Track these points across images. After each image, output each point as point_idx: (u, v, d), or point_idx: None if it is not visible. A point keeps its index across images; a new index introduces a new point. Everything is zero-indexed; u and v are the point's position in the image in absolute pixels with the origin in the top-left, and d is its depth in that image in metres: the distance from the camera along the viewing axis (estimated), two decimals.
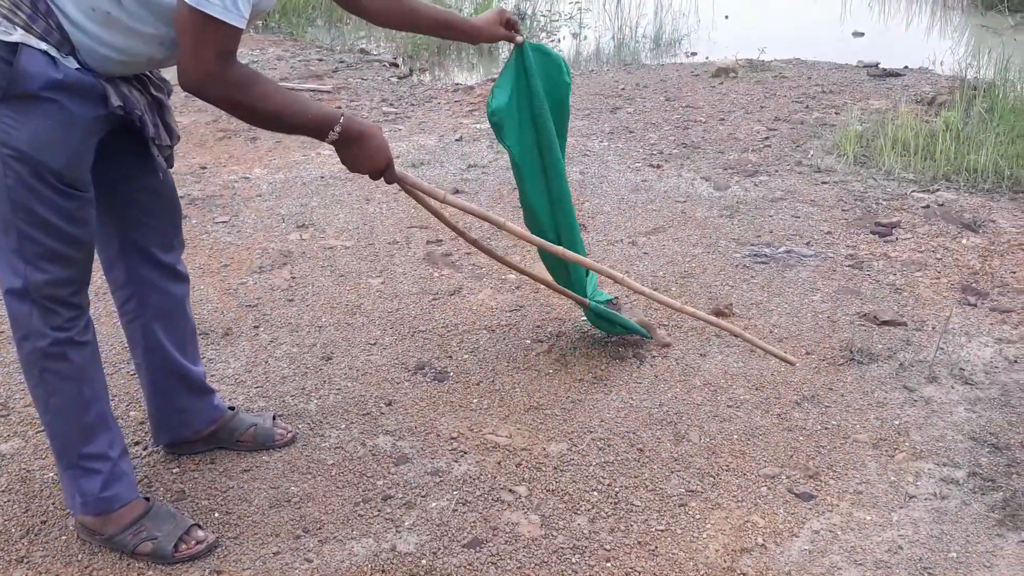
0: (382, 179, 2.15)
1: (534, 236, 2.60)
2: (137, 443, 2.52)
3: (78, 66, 1.83)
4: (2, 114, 1.80)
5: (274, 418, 2.54)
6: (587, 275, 2.89)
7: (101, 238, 2.16)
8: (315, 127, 1.97)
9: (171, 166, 2.14)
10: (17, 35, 1.77)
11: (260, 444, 2.49)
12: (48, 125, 1.82)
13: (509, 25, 2.54)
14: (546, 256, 2.78)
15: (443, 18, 2.48)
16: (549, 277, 2.83)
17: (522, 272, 2.81)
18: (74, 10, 1.80)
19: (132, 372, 2.80)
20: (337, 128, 1.97)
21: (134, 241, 2.18)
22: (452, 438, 2.54)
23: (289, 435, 2.52)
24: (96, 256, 2.10)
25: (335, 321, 3.14)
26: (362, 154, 2.06)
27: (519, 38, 2.56)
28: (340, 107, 5.52)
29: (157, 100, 2.04)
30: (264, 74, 1.93)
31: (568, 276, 2.81)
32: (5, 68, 1.77)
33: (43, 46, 1.79)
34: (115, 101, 1.88)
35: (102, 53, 1.85)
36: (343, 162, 2.08)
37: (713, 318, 2.67)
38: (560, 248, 2.57)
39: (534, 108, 2.64)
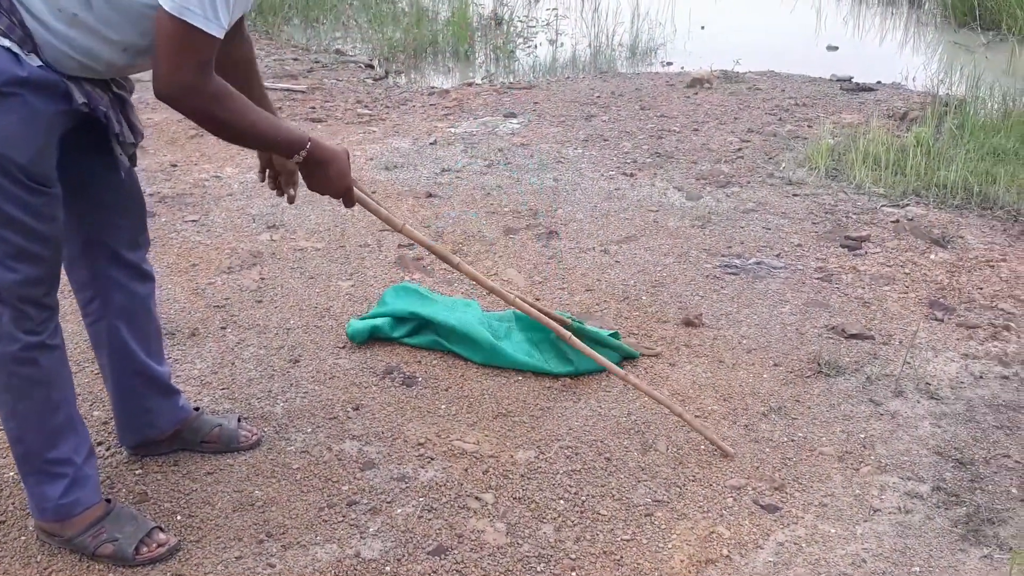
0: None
1: (487, 280, 2.53)
2: (100, 443, 2.48)
3: (40, 64, 1.81)
4: None
5: (239, 420, 2.52)
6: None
7: (64, 237, 2.13)
8: (283, 147, 2.00)
9: (134, 164, 2.11)
10: None
11: (225, 445, 2.46)
12: (13, 120, 1.79)
13: None
14: None
15: None
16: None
17: (500, 294, 2.69)
18: (40, 8, 1.78)
19: (97, 372, 2.76)
20: (303, 152, 2.00)
21: (99, 239, 2.15)
22: (419, 444, 2.52)
23: (254, 437, 2.50)
24: None
25: (304, 323, 3.11)
26: (324, 177, 2.09)
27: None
28: (314, 108, 5.49)
29: (119, 97, 2.02)
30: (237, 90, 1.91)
31: None
32: None
33: (6, 43, 1.76)
34: (79, 98, 1.86)
35: (63, 51, 1.82)
36: (305, 181, 2.11)
37: (658, 394, 2.61)
38: (521, 304, 2.60)
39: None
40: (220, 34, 1.76)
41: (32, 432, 2.02)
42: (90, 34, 1.82)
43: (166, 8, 1.71)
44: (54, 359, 2.00)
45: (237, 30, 2.15)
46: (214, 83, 1.82)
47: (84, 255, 2.16)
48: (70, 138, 1.93)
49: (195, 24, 1.71)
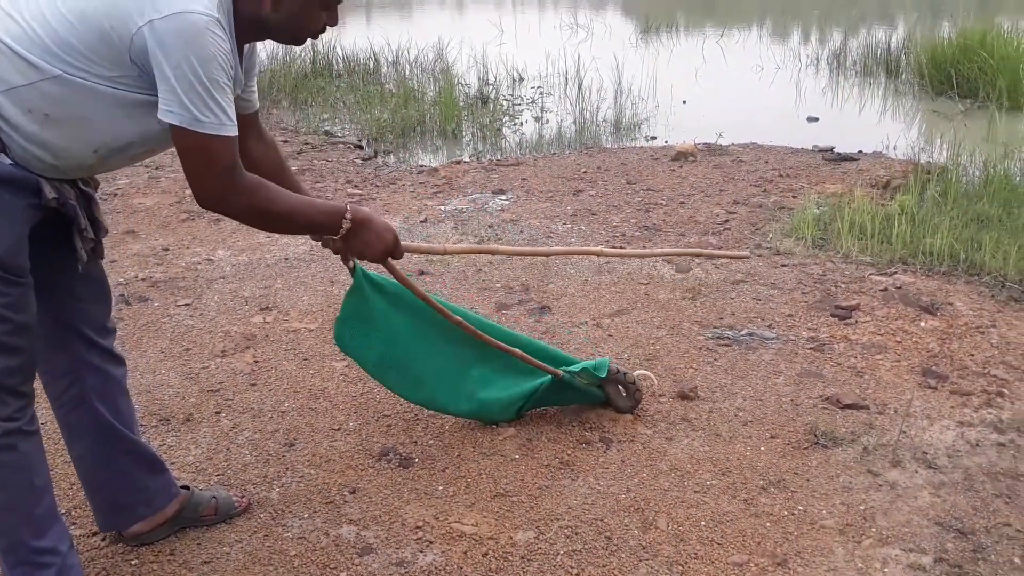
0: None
1: (534, 248, 2.88)
2: (95, 534, 2.45)
3: (11, 162, 1.84)
4: None
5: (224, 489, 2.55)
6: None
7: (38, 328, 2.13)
8: (327, 220, 2.07)
9: (101, 257, 2.15)
10: None
11: (224, 515, 2.49)
12: None
13: None
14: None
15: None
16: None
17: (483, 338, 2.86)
18: (11, 110, 1.82)
19: None
20: (348, 216, 2.07)
21: (73, 326, 2.16)
22: (417, 527, 2.50)
23: (245, 500, 2.55)
24: None
25: (298, 406, 3.10)
26: (371, 236, 2.16)
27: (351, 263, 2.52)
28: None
29: (85, 194, 2.05)
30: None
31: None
32: None
33: None
34: (50, 194, 1.89)
35: (33, 152, 1.86)
36: (352, 251, 2.17)
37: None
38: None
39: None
40: (235, 132, 1.86)
41: (15, 521, 1.99)
42: (62, 134, 1.86)
43: (180, 125, 1.79)
44: (32, 445, 1.99)
45: (250, 131, 2.23)
46: (246, 178, 1.91)
47: (60, 344, 2.16)
48: (37, 231, 1.95)
49: (210, 133, 1.80)
